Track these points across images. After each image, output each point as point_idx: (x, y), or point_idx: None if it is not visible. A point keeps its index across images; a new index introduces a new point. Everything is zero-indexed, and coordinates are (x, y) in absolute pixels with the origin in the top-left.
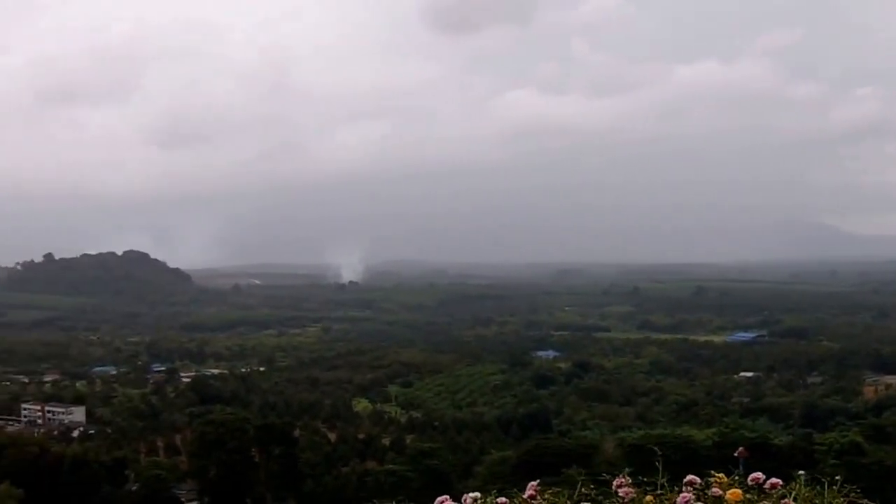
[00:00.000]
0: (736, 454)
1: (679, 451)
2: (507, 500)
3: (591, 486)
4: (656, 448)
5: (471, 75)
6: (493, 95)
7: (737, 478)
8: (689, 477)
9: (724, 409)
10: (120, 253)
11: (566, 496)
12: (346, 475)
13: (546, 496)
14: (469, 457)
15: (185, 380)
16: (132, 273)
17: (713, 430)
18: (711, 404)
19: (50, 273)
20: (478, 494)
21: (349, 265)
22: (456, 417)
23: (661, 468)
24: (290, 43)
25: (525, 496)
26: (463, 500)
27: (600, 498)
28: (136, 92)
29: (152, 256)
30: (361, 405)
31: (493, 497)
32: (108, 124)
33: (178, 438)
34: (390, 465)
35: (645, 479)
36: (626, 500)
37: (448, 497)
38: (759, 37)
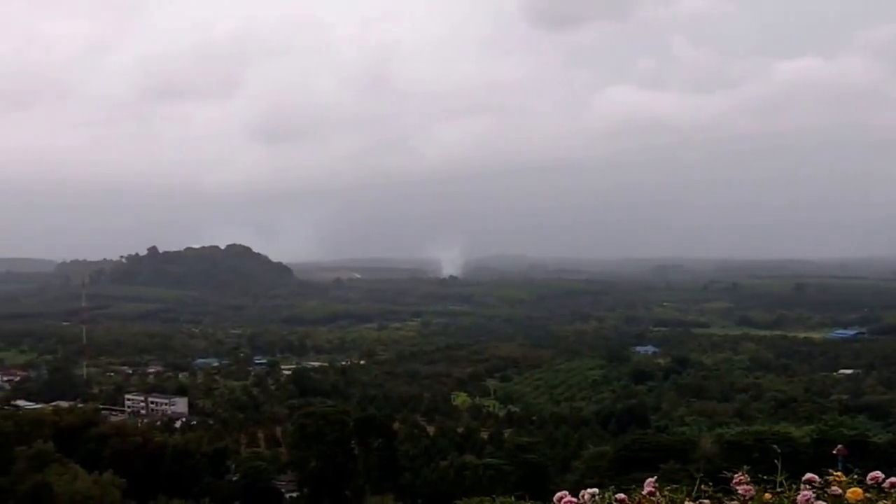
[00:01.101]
0: (834, 452)
1: (777, 448)
2: (626, 497)
3: (710, 483)
4: (775, 446)
5: (570, 71)
6: (592, 91)
7: (855, 476)
8: (808, 475)
9: (823, 407)
10: (223, 247)
11: (685, 493)
12: (444, 468)
13: (665, 492)
14: (567, 451)
15: (285, 372)
16: (235, 266)
17: (811, 427)
18: (810, 401)
19: (154, 266)
20: (596, 490)
21: (449, 260)
22: (554, 412)
23: (779, 466)
24: (392, 40)
25: (644, 493)
26: (581, 496)
27: (719, 495)
28: (240, 89)
29: (255, 250)
30: (460, 399)
31: (611, 493)
32: (212, 120)
33: (278, 430)
34: (488, 459)
35: (764, 477)
36: (745, 498)
37: (567, 492)
38: (859, 32)
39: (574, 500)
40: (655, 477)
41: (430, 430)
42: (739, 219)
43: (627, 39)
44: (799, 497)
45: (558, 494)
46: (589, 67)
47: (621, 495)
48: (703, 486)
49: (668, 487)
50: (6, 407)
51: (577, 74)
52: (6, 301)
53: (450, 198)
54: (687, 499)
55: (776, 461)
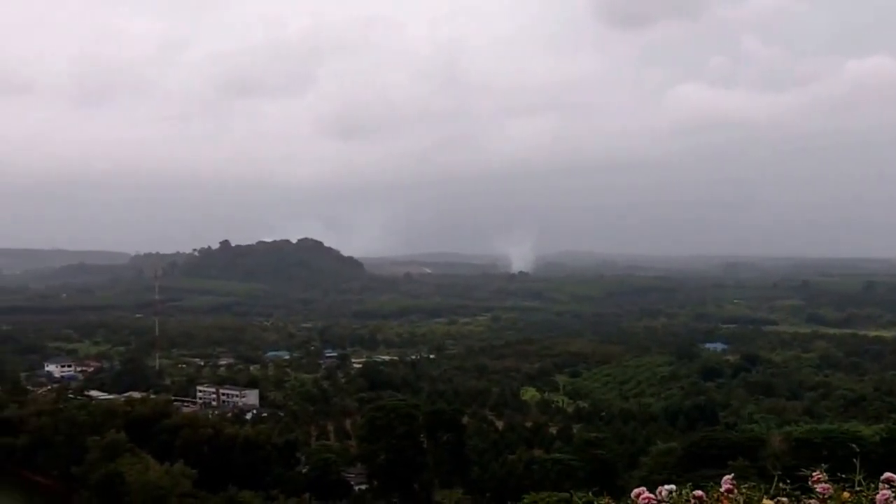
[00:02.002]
0: None
1: (845, 446)
2: (703, 494)
3: (787, 482)
4: (854, 445)
5: (640, 69)
6: (662, 89)
7: None
8: (887, 474)
9: (893, 406)
10: (294, 241)
11: (763, 491)
12: (512, 463)
13: (743, 490)
14: (635, 447)
15: (356, 365)
16: (306, 260)
17: (881, 426)
18: (879, 400)
19: (226, 260)
20: (673, 487)
21: (519, 255)
22: (623, 408)
23: (857, 464)
24: (463, 37)
25: (722, 490)
26: (658, 492)
27: (797, 493)
28: (312, 85)
29: (326, 245)
30: (529, 394)
31: (688, 489)
32: (285, 116)
33: (348, 423)
34: (556, 454)
35: (842, 476)
36: (824, 497)
37: (645, 489)
38: None
39: (652, 496)
40: (732, 474)
41: (499, 424)
42: (809, 217)
43: (698, 38)
44: (878, 496)
45: (636, 490)
46: (659, 66)
47: (699, 492)
48: (780, 484)
49: (746, 485)
50: (80, 397)
51: (648, 73)
52: (81, 293)
53: (520, 194)
54: (765, 497)
55: (854, 460)
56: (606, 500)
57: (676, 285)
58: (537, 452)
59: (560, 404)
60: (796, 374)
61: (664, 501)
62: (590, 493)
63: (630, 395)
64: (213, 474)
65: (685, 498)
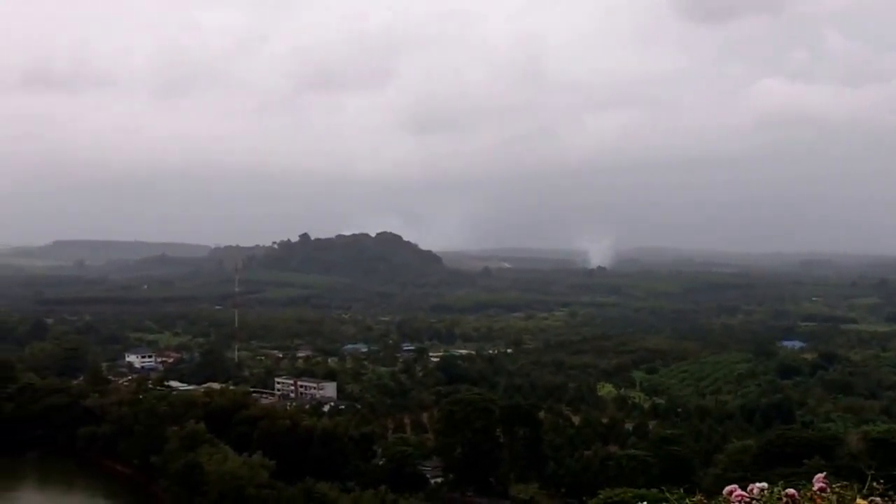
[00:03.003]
0: None
1: None
2: (795, 492)
3: (881, 482)
4: None
5: (720, 64)
6: (742, 85)
7: None
8: None
9: None
10: (373, 234)
11: (856, 490)
12: (588, 458)
13: (836, 489)
14: (711, 444)
15: (433, 359)
16: (384, 254)
17: None
18: None
19: (305, 253)
20: (765, 485)
21: (597, 251)
22: (699, 405)
23: None
24: (542, 31)
25: (815, 488)
26: (749, 490)
27: (891, 493)
28: (392, 79)
29: (405, 238)
30: (606, 390)
31: (780, 487)
32: (364, 110)
33: (424, 416)
34: (632, 450)
35: None
36: None
37: (737, 486)
38: None
39: (744, 494)
40: (824, 473)
41: (576, 420)
42: (889, 214)
43: (779, 33)
44: None
45: (728, 488)
46: (739, 61)
47: (791, 490)
48: (874, 484)
49: (839, 484)
50: (159, 388)
51: (727, 68)
52: (161, 284)
53: (599, 189)
54: (858, 496)
55: None
56: (698, 498)
57: (754, 282)
58: (613, 448)
59: (636, 400)
60: (875, 373)
61: (756, 499)
62: (680, 491)
63: (706, 392)
64: (290, 466)
65: (777, 496)
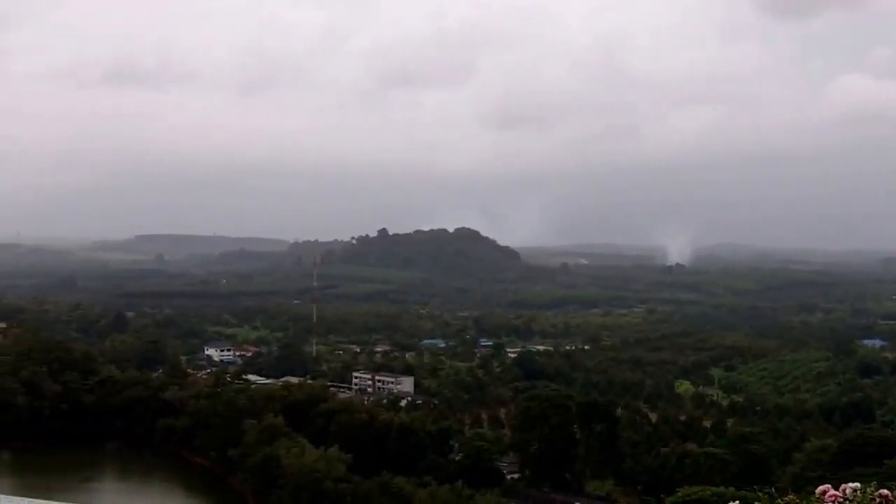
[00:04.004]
0: None
1: None
2: (889, 493)
3: None
4: None
5: (803, 60)
6: (824, 81)
7: None
8: None
9: None
10: (451, 230)
11: None
12: (665, 456)
13: None
14: (789, 443)
15: (510, 355)
16: (462, 249)
17: None
18: None
19: (383, 248)
20: (857, 485)
21: (676, 247)
22: (777, 403)
23: None
24: (623, 27)
25: None
26: (842, 490)
27: None
28: (472, 75)
29: (483, 234)
30: (683, 387)
31: (873, 487)
32: (444, 106)
33: (501, 412)
34: (710, 448)
35: None
36: None
37: (830, 486)
38: None
39: (838, 493)
40: None
41: (653, 417)
42: None
43: (864, 28)
44: None
45: (821, 488)
46: (822, 57)
47: (885, 491)
48: None
49: None
50: (238, 381)
51: (810, 64)
52: (240, 279)
53: (678, 186)
54: None
55: None
56: (790, 498)
57: (834, 280)
58: (690, 446)
59: (714, 398)
60: None
61: (849, 500)
62: (771, 489)
63: (785, 390)
64: (367, 460)
65: (870, 496)
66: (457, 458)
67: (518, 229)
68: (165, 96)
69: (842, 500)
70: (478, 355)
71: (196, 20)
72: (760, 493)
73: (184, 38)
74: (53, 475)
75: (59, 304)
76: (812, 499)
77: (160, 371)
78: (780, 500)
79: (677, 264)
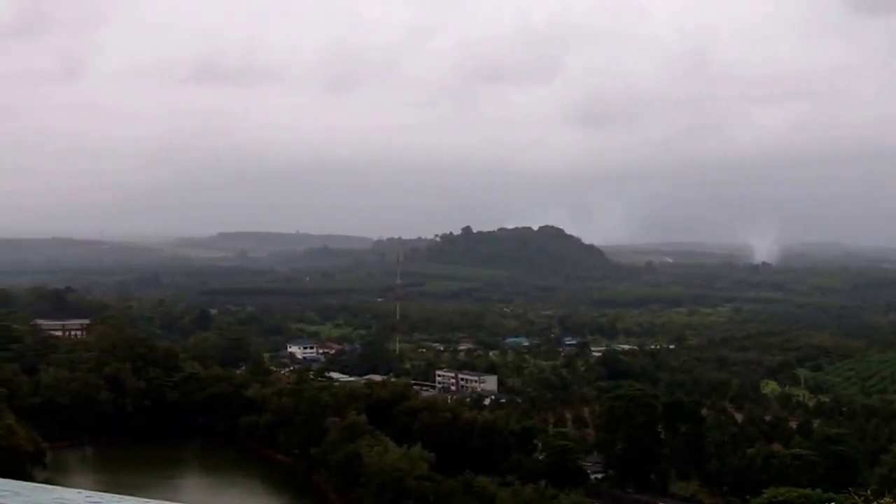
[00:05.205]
0: None
1: None
2: None
3: None
4: None
5: (889, 57)
6: None
7: None
8: None
9: None
10: (535, 228)
11: None
12: (751, 456)
13: None
14: (876, 444)
15: (595, 354)
16: (547, 247)
17: None
18: None
19: (467, 245)
20: None
21: (762, 246)
22: (865, 404)
23: None
24: (709, 24)
25: None
26: None
27: None
28: (558, 72)
29: (567, 232)
30: (769, 387)
31: None
32: (530, 104)
33: (585, 411)
34: (796, 449)
35: None
36: None
37: None
38: None
39: None
40: None
41: (738, 417)
42: None
43: None
44: None
45: None
46: None
47: None
48: None
49: None
50: (320, 379)
51: None
52: (323, 276)
53: (764, 183)
54: None
55: None
56: (887, 500)
57: None
58: (776, 447)
59: (800, 398)
60: None
61: None
62: (867, 492)
63: (873, 391)
64: (450, 458)
65: None
66: (540, 457)
67: (603, 227)
68: (251, 94)
69: None
70: (562, 354)
71: (282, 17)
72: (855, 496)
73: (270, 36)
74: (137, 471)
75: (143, 300)
76: None
77: (243, 368)
78: (878, 501)
79: (763, 263)
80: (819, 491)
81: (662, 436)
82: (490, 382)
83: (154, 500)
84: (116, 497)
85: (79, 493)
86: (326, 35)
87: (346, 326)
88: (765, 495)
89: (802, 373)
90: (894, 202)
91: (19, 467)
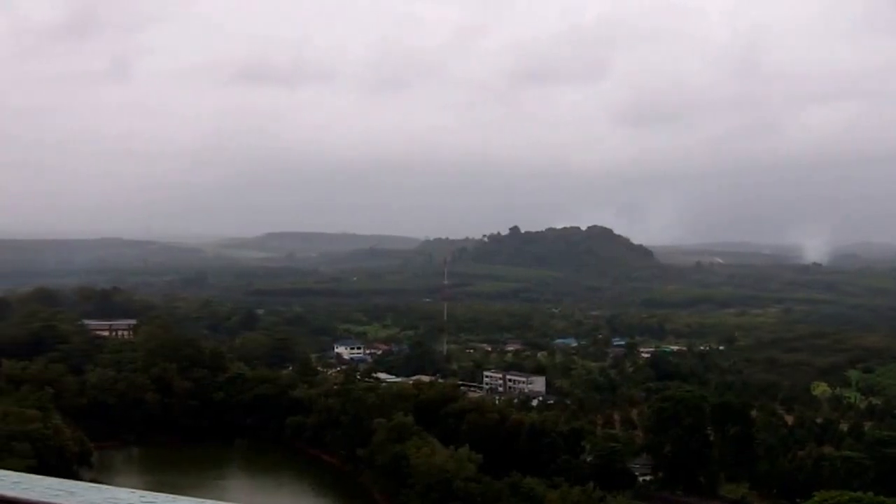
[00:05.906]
0: None
1: None
2: None
3: None
4: None
5: None
6: None
7: None
8: None
9: None
10: (584, 228)
11: None
12: (801, 459)
13: None
14: None
15: (643, 355)
16: (595, 248)
17: None
18: None
19: (515, 246)
20: None
21: (813, 246)
22: None
23: None
24: (761, 23)
25: None
26: None
27: None
28: (607, 72)
29: (616, 232)
30: (820, 389)
31: None
32: (578, 103)
33: (634, 413)
34: (847, 452)
35: None
36: None
37: None
38: None
39: None
40: None
41: (789, 419)
42: None
43: None
44: None
45: None
46: None
47: None
48: None
49: None
50: (368, 379)
51: None
52: (371, 276)
53: (815, 183)
54: None
55: None
56: None
57: None
58: (827, 449)
59: (852, 400)
60: None
61: None
62: None
63: None
64: (497, 459)
65: None
66: (588, 459)
67: (652, 228)
68: (298, 94)
69: None
70: (610, 355)
71: (329, 18)
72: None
73: (319, 36)
74: (184, 471)
75: (190, 301)
76: None
77: (290, 369)
78: None
79: (814, 263)
80: (870, 494)
81: (712, 438)
82: (538, 383)
83: (209, 500)
84: (171, 497)
85: (132, 492)
86: (375, 35)
87: (394, 327)
88: (815, 498)
89: (853, 374)
90: None
91: (66, 467)
